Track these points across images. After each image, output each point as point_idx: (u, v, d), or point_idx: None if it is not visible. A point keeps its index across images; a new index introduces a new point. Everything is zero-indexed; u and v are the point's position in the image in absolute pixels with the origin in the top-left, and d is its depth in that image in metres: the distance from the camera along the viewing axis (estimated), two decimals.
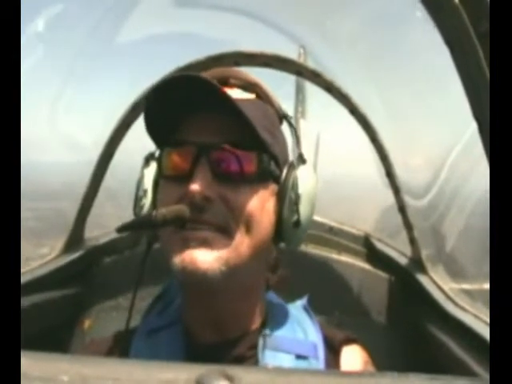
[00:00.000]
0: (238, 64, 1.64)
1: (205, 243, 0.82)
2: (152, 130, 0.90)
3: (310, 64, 1.78)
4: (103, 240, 1.95)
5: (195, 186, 0.81)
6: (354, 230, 2.16)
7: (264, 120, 0.89)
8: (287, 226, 0.91)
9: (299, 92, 3.78)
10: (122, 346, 0.99)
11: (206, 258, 0.81)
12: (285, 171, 0.92)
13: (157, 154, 0.95)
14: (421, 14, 0.78)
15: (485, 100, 0.71)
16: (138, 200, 0.96)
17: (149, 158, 0.98)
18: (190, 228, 0.83)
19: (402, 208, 1.78)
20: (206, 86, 0.81)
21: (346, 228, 2.15)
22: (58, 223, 1.78)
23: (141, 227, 0.87)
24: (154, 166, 0.96)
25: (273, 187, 0.91)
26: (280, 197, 0.91)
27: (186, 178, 0.83)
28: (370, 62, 2.31)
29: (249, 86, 0.96)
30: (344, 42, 2.29)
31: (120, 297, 1.74)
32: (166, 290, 1.09)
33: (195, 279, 0.82)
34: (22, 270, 1.57)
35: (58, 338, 1.56)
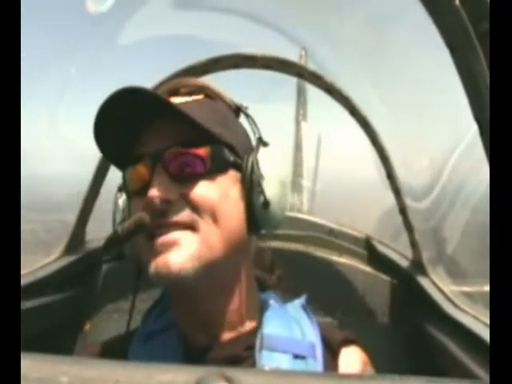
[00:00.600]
0: (238, 66, 1.64)
1: (173, 245, 0.83)
2: (106, 152, 0.94)
3: (311, 66, 1.79)
4: (103, 242, 1.94)
5: (152, 192, 0.83)
6: (354, 232, 2.16)
7: (212, 114, 0.92)
8: (257, 208, 0.91)
9: (300, 94, 3.80)
10: (119, 350, 0.99)
11: (177, 259, 0.82)
12: (245, 157, 0.93)
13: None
14: (421, 14, 0.78)
15: (485, 101, 0.71)
16: (114, 225, 0.99)
17: (120, 188, 1.02)
18: (158, 233, 0.84)
19: (402, 210, 1.78)
20: (145, 96, 0.84)
21: (346, 230, 2.15)
22: (67, 234, 1.80)
23: (111, 246, 0.90)
24: (123, 194, 1.00)
25: (234, 175, 0.92)
26: (243, 182, 0.92)
27: (146, 188, 0.85)
28: (371, 63, 2.31)
29: (196, 89, 1.00)
30: (345, 43, 2.29)
31: (121, 299, 1.74)
32: (163, 295, 1.09)
33: (170, 282, 0.83)
34: (24, 272, 1.57)
35: (59, 340, 1.56)
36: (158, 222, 0.84)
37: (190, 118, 0.82)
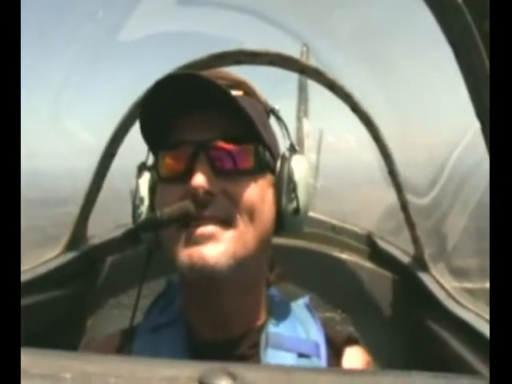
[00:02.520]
0: (240, 62, 1.64)
1: (211, 238, 0.82)
2: (147, 133, 0.91)
3: (313, 62, 1.78)
4: (105, 238, 1.95)
5: (197, 181, 0.82)
6: (356, 229, 2.16)
7: (255, 113, 0.90)
8: (287, 214, 0.93)
9: (302, 91, 3.78)
10: (124, 344, 0.99)
11: (213, 253, 0.81)
12: (279, 162, 0.95)
13: (149, 161, 0.96)
14: (424, 11, 0.78)
15: (487, 99, 0.71)
16: (135, 209, 0.96)
17: (141, 168, 0.99)
18: (194, 225, 0.83)
19: (404, 206, 1.78)
20: (199, 81, 0.82)
21: (348, 226, 2.15)
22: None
23: (147, 229, 0.87)
24: (147, 174, 0.97)
25: (270, 178, 0.93)
26: (277, 187, 0.93)
27: (186, 176, 0.84)
28: (374, 59, 2.30)
29: (235, 84, 0.98)
30: (347, 40, 2.29)
31: (122, 295, 1.74)
32: (168, 288, 1.10)
33: (204, 275, 0.82)
34: (25, 268, 1.57)
35: (60, 336, 1.57)
36: (198, 212, 0.83)
37: (245, 112, 0.81)
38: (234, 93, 0.94)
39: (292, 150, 0.99)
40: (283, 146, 1.03)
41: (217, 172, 0.85)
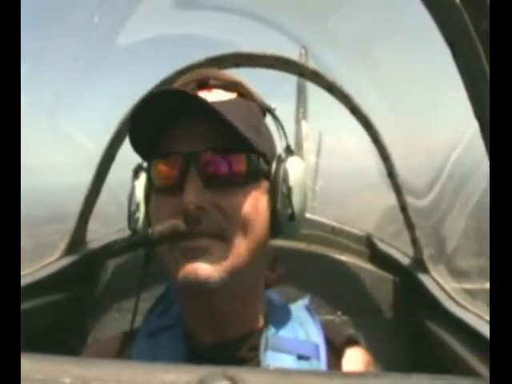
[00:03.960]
0: (238, 65, 1.64)
1: (204, 253, 0.82)
2: (137, 145, 0.90)
3: (311, 64, 1.78)
4: (105, 242, 1.95)
5: (188, 197, 0.81)
6: (355, 231, 2.16)
7: (248, 118, 0.89)
8: (282, 219, 0.91)
9: (300, 93, 3.78)
10: (123, 348, 0.99)
11: (205, 267, 0.81)
12: (274, 166, 0.92)
13: (145, 165, 0.95)
14: (422, 12, 0.78)
15: (486, 100, 0.71)
16: (131, 214, 0.96)
17: (138, 170, 0.99)
18: (187, 239, 0.83)
19: (403, 208, 1.78)
20: (183, 96, 0.81)
21: (347, 228, 2.16)
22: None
23: (139, 246, 0.88)
24: (143, 177, 0.96)
25: (264, 184, 0.91)
26: (272, 192, 0.91)
27: (177, 189, 0.83)
28: (372, 61, 2.31)
29: (229, 85, 0.96)
30: (345, 41, 2.29)
31: (122, 298, 1.74)
32: (168, 292, 1.09)
33: (196, 287, 0.82)
34: (25, 272, 1.57)
35: (60, 340, 1.56)
36: (189, 228, 0.82)
37: (230, 123, 0.80)
38: (227, 95, 0.94)
39: (288, 151, 0.97)
40: (280, 146, 1.02)
41: (208, 184, 0.84)
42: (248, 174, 0.86)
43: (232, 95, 0.95)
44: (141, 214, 0.95)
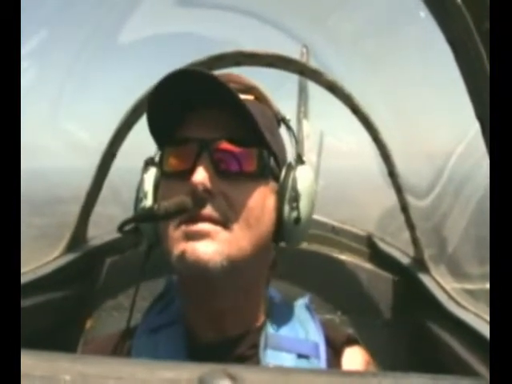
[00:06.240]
0: (239, 64, 1.64)
1: (206, 236, 0.82)
2: (154, 128, 0.91)
3: (313, 63, 1.78)
4: (105, 239, 1.95)
5: (198, 178, 0.81)
6: (356, 230, 2.16)
7: (263, 119, 0.90)
8: (287, 223, 0.92)
9: (302, 92, 3.77)
10: (122, 345, 0.99)
11: (207, 250, 0.81)
12: (284, 170, 0.94)
13: (157, 157, 0.96)
14: (424, 12, 0.78)
15: (487, 99, 0.71)
16: (138, 202, 0.97)
17: (148, 162, 0.99)
18: (191, 221, 0.83)
19: (404, 208, 1.78)
20: (209, 80, 0.82)
21: (348, 228, 2.16)
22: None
23: (143, 221, 0.88)
24: (153, 169, 0.97)
25: (273, 185, 0.92)
26: (280, 195, 0.92)
27: (188, 173, 0.84)
28: (373, 61, 2.30)
29: (247, 88, 0.98)
30: (346, 40, 2.29)
31: (121, 296, 1.74)
32: (167, 290, 1.10)
33: (196, 271, 0.82)
34: (25, 270, 1.57)
35: (60, 338, 1.57)
36: (195, 209, 0.82)
37: (250, 115, 0.81)
38: (244, 97, 0.94)
39: (299, 160, 0.99)
40: (291, 156, 1.03)
41: (218, 172, 0.85)
42: (258, 169, 0.88)
43: (249, 97, 0.96)
44: (148, 201, 0.95)
